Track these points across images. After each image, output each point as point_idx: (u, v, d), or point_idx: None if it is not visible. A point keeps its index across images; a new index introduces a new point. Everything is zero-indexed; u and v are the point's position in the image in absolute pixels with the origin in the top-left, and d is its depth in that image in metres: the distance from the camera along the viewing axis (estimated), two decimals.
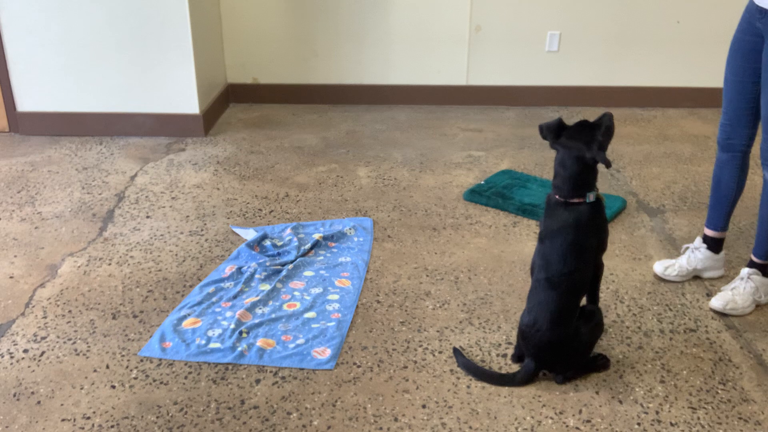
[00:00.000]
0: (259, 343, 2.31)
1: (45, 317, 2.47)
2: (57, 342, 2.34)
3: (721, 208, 2.63)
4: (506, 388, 2.12)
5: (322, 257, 2.88)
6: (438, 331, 2.40)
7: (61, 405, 2.06)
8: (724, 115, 2.52)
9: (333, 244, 2.98)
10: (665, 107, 4.82)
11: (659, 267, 2.71)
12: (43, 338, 2.36)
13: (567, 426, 1.98)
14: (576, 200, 2.07)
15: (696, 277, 2.71)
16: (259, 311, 2.49)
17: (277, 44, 4.73)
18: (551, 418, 2.01)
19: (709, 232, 2.68)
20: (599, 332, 2.18)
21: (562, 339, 2.07)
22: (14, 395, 2.09)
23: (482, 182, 3.51)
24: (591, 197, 2.07)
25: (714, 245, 2.68)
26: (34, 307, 2.54)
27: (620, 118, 4.60)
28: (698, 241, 2.71)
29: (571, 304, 2.08)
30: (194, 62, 4.07)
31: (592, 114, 4.66)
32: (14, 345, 2.32)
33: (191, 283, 2.69)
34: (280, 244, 2.96)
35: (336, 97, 4.87)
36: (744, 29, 2.40)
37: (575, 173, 2.05)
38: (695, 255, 2.68)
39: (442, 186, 3.55)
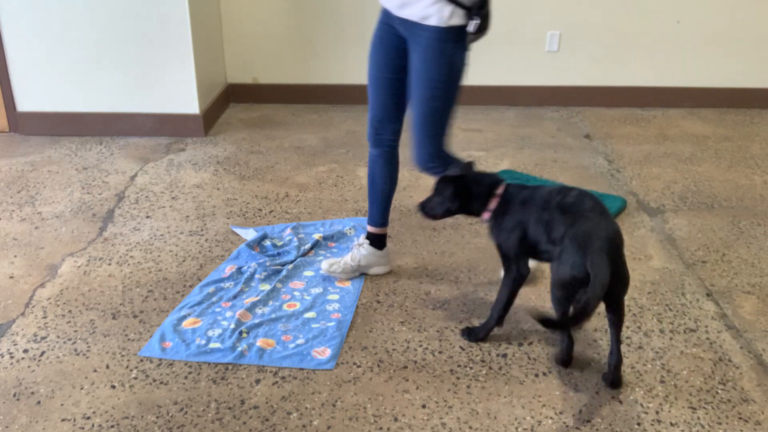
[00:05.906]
0: (259, 343, 2.31)
1: (45, 317, 2.47)
2: (57, 342, 2.34)
3: (378, 203, 2.63)
4: (506, 387, 2.12)
5: (322, 257, 2.87)
6: (438, 331, 2.40)
7: (61, 405, 2.06)
8: (371, 110, 2.56)
9: (333, 244, 2.98)
10: (665, 107, 4.82)
11: (325, 264, 2.70)
12: (43, 338, 2.36)
13: (567, 426, 1.98)
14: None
15: (363, 274, 2.72)
16: (259, 311, 2.49)
17: (277, 44, 4.73)
18: (551, 418, 2.01)
19: (370, 229, 2.68)
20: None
21: None
22: (14, 395, 2.09)
23: None
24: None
25: (376, 241, 2.69)
26: (34, 307, 2.54)
27: (620, 118, 4.60)
28: (362, 237, 2.72)
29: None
30: (194, 62, 4.07)
31: (591, 114, 4.67)
32: (14, 345, 2.32)
33: (191, 283, 2.69)
34: (280, 244, 2.96)
35: (336, 97, 4.86)
36: (384, 29, 2.42)
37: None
38: (359, 251, 2.69)
39: None
